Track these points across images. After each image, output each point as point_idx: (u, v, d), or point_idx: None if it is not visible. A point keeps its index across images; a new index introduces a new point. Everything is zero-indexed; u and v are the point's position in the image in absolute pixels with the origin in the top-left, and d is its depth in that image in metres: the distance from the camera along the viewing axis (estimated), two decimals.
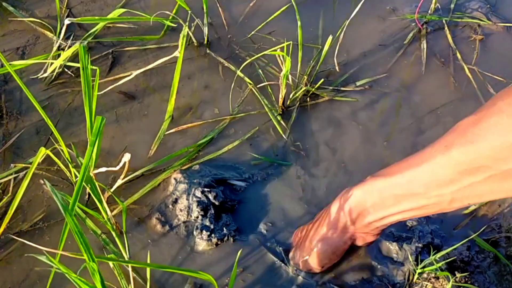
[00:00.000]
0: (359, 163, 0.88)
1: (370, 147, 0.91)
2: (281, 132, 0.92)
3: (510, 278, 0.73)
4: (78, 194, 0.51)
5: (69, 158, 0.80)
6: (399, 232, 0.80)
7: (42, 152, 0.72)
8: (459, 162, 0.52)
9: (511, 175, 0.48)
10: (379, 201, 0.62)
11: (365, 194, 0.64)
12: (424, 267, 0.71)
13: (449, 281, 0.67)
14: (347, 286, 0.75)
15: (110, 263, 0.68)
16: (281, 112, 0.95)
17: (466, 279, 0.70)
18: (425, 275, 0.71)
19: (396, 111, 0.96)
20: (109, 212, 0.75)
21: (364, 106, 0.97)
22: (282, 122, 0.93)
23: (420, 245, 0.76)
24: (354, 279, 0.76)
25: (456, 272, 0.69)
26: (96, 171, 0.76)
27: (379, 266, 0.76)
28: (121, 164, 0.78)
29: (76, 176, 0.83)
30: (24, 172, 0.86)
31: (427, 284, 0.70)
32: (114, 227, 0.77)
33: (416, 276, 0.71)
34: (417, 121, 0.94)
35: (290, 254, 0.77)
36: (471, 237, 0.73)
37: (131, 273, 0.72)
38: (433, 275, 0.71)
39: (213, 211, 0.80)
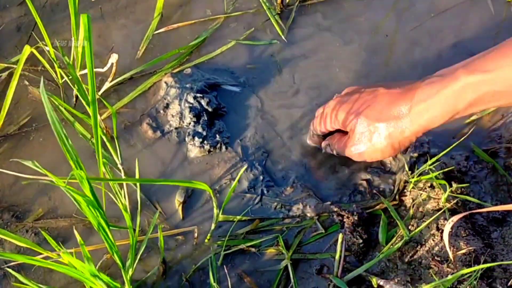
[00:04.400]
0: (361, 67, 0.84)
1: (374, 49, 0.86)
2: (279, 32, 0.86)
3: (506, 188, 0.73)
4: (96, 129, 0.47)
5: (54, 58, 0.75)
6: None
7: (27, 51, 0.67)
8: None
9: None
10: (475, 100, 0.56)
11: (457, 93, 0.57)
12: (420, 175, 0.70)
13: (445, 190, 0.67)
14: (330, 194, 0.75)
15: (102, 169, 0.66)
16: (279, 12, 0.88)
17: (462, 189, 0.69)
18: (420, 185, 0.71)
19: (402, 12, 0.89)
20: (98, 116, 0.72)
21: (370, 5, 0.90)
22: (280, 22, 0.87)
23: (415, 154, 0.75)
24: (340, 187, 0.76)
25: (452, 182, 0.69)
26: (83, 72, 0.72)
27: (368, 176, 0.75)
28: (108, 65, 0.74)
29: (62, 77, 0.79)
30: (6, 73, 0.82)
31: (422, 193, 0.70)
32: (105, 131, 0.74)
33: (411, 185, 0.71)
34: (423, 24, 0.88)
35: (340, 140, 0.72)
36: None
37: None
38: (428, 184, 0.70)
39: (206, 118, 0.78)
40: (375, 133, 0.66)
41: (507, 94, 0.54)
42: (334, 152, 0.73)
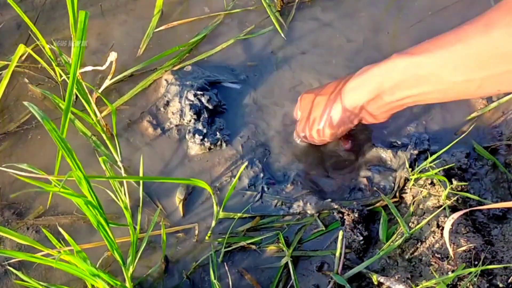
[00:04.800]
0: (363, 64, 0.83)
1: (375, 45, 0.85)
2: (279, 29, 0.86)
3: (506, 185, 0.73)
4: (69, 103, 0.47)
5: (51, 56, 0.75)
6: (394, 138, 0.78)
7: (21, 49, 0.67)
8: (499, 45, 0.46)
9: None
10: (400, 81, 0.58)
11: (386, 73, 0.59)
12: (420, 172, 0.70)
13: (445, 187, 0.66)
14: (331, 191, 0.75)
15: (103, 166, 0.66)
16: (279, 9, 0.88)
17: (463, 186, 0.69)
18: (421, 182, 0.71)
19: (403, 8, 0.89)
20: (98, 114, 0.72)
21: (371, 1, 0.89)
22: (280, 19, 0.87)
23: (416, 152, 0.75)
24: (340, 184, 0.76)
25: (452, 179, 0.69)
26: (82, 69, 0.71)
27: (369, 173, 0.75)
28: (107, 64, 0.74)
29: (61, 76, 0.78)
30: (6, 70, 0.82)
31: (422, 191, 0.69)
32: (105, 129, 0.74)
33: (411, 182, 0.71)
34: (424, 21, 0.88)
35: (297, 124, 0.76)
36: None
37: (123, 175, 0.71)
38: (429, 181, 0.70)
39: (206, 115, 0.78)
40: (313, 114, 0.70)
41: (429, 81, 0.55)
42: (298, 140, 0.78)
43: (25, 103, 0.48)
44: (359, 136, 0.79)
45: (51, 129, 0.42)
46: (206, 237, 0.71)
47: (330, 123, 0.68)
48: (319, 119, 0.69)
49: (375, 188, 0.74)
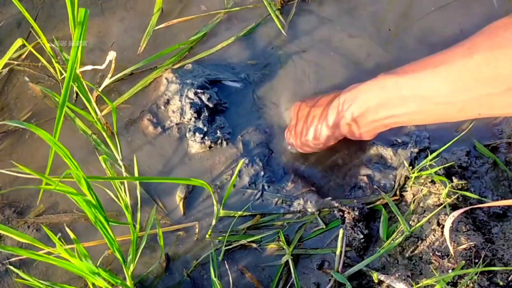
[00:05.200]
0: (364, 61, 0.84)
1: (377, 43, 0.85)
2: (280, 27, 0.86)
3: (507, 183, 0.73)
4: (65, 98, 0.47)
5: (52, 54, 0.75)
6: (394, 137, 0.78)
7: (19, 43, 0.67)
8: (480, 69, 0.47)
9: None
10: (385, 100, 0.59)
11: (372, 91, 0.60)
12: (420, 171, 0.70)
13: (445, 186, 0.66)
14: (332, 189, 0.75)
15: (103, 164, 0.66)
16: (280, 7, 0.88)
17: (463, 185, 0.69)
18: (421, 180, 0.71)
19: (405, 5, 0.88)
20: (98, 112, 0.72)
21: None
22: (281, 17, 0.87)
23: (416, 150, 0.75)
24: (340, 182, 0.76)
25: (453, 178, 0.69)
26: (82, 68, 0.71)
27: (369, 171, 0.75)
28: (106, 62, 0.74)
29: (61, 74, 0.78)
30: (7, 69, 0.82)
31: (422, 189, 0.69)
32: (105, 127, 0.74)
33: (412, 180, 0.71)
34: (426, 17, 0.88)
35: (286, 131, 0.78)
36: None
37: (124, 174, 0.71)
38: (429, 179, 0.70)
39: (206, 113, 0.78)
40: (302, 125, 0.72)
41: (412, 101, 0.56)
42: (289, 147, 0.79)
43: (40, 87, 0.47)
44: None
45: (43, 133, 0.42)
46: (207, 235, 0.71)
47: (315, 136, 0.70)
48: (306, 131, 0.71)
49: (375, 186, 0.74)
